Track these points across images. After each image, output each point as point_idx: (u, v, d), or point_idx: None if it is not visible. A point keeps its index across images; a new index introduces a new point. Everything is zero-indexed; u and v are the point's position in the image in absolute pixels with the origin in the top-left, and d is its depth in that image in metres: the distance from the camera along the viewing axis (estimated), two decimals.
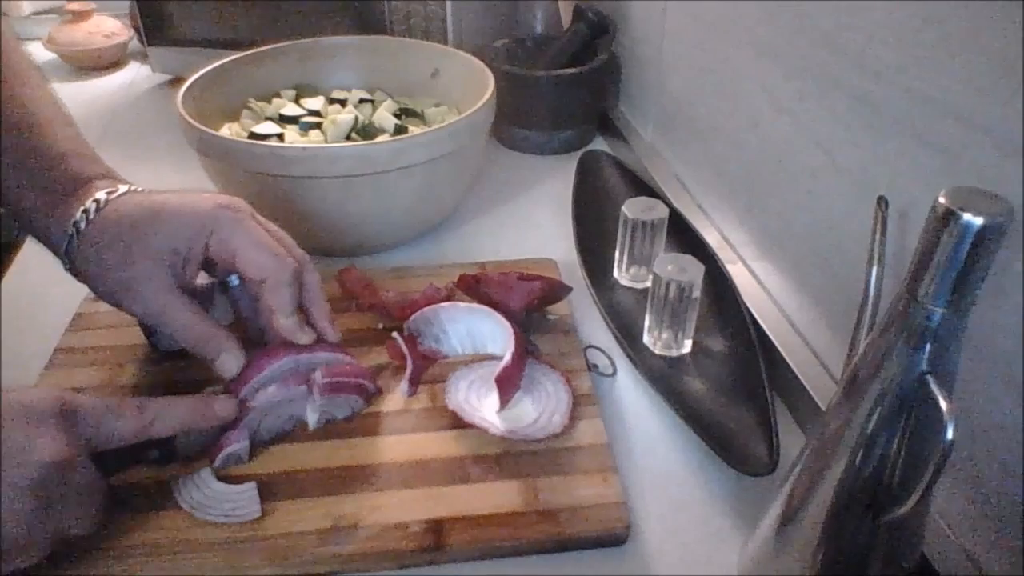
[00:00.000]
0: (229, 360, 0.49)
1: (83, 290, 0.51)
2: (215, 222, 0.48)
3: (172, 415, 0.45)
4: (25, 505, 0.38)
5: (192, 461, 0.48)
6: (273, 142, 0.72)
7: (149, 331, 0.57)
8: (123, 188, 0.50)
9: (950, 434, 0.29)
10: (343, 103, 0.82)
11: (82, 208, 0.48)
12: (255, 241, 0.49)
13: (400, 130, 0.75)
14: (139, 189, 0.51)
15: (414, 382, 0.56)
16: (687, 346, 0.59)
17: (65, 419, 0.40)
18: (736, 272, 0.64)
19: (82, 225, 0.48)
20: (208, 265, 0.52)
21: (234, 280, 0.53)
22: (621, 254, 0.67)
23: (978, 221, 0.28)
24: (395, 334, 0.58)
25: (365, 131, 0.75)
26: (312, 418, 0.51)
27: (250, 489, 0.47)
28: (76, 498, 0.40)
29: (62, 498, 0.40)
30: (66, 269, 0.50)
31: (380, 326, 0.61)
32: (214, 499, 0.46)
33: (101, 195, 0.49)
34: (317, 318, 0.52)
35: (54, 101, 0.54)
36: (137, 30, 1.12)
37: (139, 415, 0.44)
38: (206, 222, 0.48)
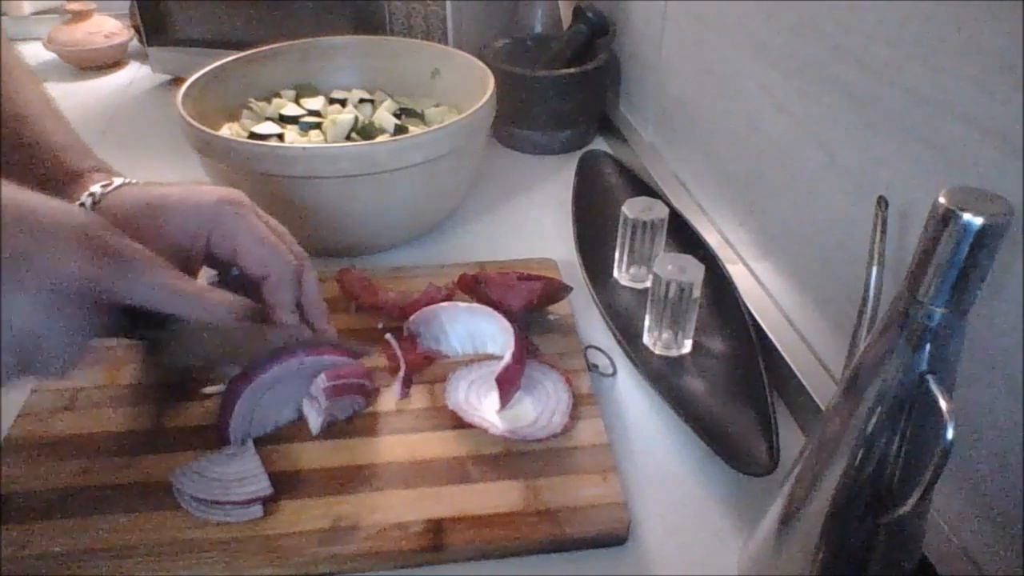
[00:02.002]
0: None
1: None
2: (218, 217, 0.48)
3: (196, 295, 0.44)
4: (38, 302, 0.37)
5: (198, 401, 0.48)
6: (273, 142, 0.72)
7: None
8: (118, 181, 0.50)
9: (950, 434, 0.29)
10: (343, 103, 0.82)
11: (78, 202, 0.48)
12: (257, 237, 0.49)
13: (400, 130, 0.75)
14: (134, 182, 0.51)
15: (407, 383, 0.55)
16: (687, 346, 0.59)
17: (101, 246, 0.40)
18: (736, 272, 0.64)
19: None
20: (208, 259, 0.51)
21: (234, 273, 0.53)
22: (621, 254, 0.67)
23: (978, 221, 0.28)
24: (388, 335, 0.58)
25: (365, 131, 0.75)
26: (316, 422, 0.51)
27: (255, 460, 0.47)
28: (73, 327, 0.39)
29: (64, 320, 0.39)
30: None
31: (380, 326, 0.61)
32: (220, 484, 0.46)
33: (96, 188, 0.49)
34: (314, 317, 0.52)
35: (44, 96, 0.54)
36: (137, 30, 1.12)
37: (172, 282, 0.42)
38: (209, 217, 0.48)
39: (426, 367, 0.58)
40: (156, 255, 0.43)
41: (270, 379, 0.50)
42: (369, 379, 0.53)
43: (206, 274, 0.54)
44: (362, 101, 0.82)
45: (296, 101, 0.82)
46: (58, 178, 0.50)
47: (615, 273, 0.68)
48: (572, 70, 0.89)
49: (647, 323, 0.60)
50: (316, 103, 0.81)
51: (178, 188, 0.50)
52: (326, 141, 0.74)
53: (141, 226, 0.47)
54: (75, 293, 0.39)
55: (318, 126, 0.77)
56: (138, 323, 0.45)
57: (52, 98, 0.54)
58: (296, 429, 0.52)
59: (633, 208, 0.64)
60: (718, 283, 0.62)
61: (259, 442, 0.50)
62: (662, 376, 0.57)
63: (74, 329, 0.40)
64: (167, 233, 0.47)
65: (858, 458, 0.34)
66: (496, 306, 0.58)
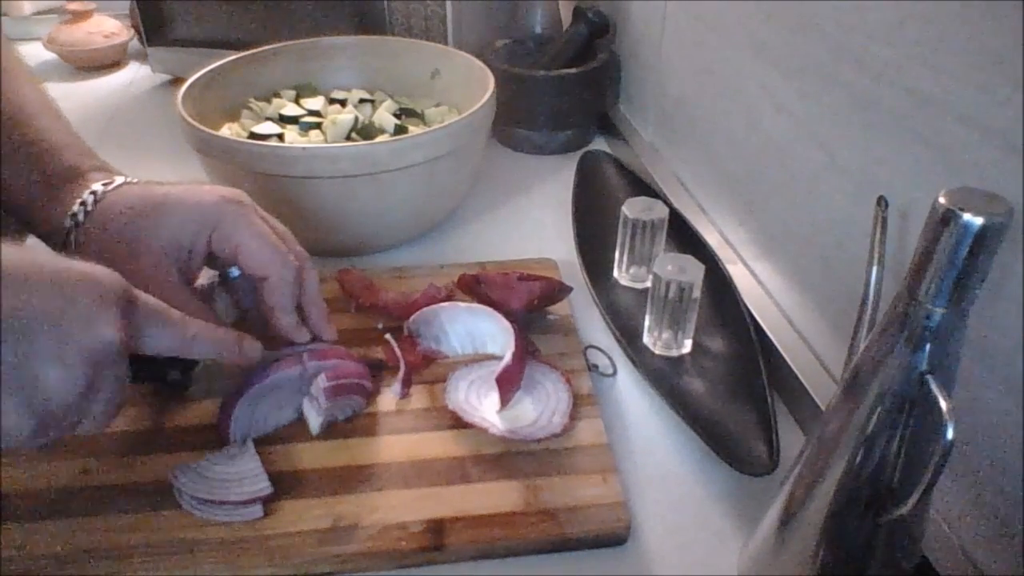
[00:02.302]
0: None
1: None
2: (219, 216, 0.48)
3: (209, 338, 0.45)
4: (77, 376, 0.36)
5: (195, 401, 0.48)
6: (273, 142, 0.72)
7: None
8: (119, 180, 0.50)
9: (950, 434, 0.29)
10: (343, 103, 0.82)
11: (79, 200, 0.48)
12: (259, 237, 0.49)
13: (400, 130, 0.75)
14: (135, 181, 0.51)
15: (406, 383, 0.55)
16: (687, 346, 0.59)
17: (125, 306, 0.39)
18: (736, 272, 0.64)
19: (80, 218, 0.48)
20: (209, 259, 0.51)
21: (234, 272, 0.53)
22: (621, 254, 0.67)
23: (978, 221, 0.28)
24: (388, 335, 0.58)
25: (365, 131, 0.75)
26: (316, 423, 0.51)
27: (255, 460, 0.47)
28: (108, 390, 0.39)
29: (100, 385, 0.38)
30: None
31: (380, 326, 0.61)
32: (220, 484, 0.46)
33: (98, 187, 0.49)
34: (314, 318, 0.52)
35: (43, 96, 0.54)
36: (137, 30, 1.12)
37: (183, 328, 0.43)
38: (210, 216, 0.48)
39: (426, 367, 0.58)
40: (167, 306, 0.43)
41: (271, 384, 0.50)
42: (369, 379, 0.53)
43: (206, 274, 0.54)
44: (362, 101, 0.82)
45: (296, 101, 0.82)
46: (58, 177, 0.50)
47: (615, 273, 0.68)
48: (572, 70, 0.89)
49: (647, 323, 0.60)
50: (316, 103, 0.81)
51: (179, 188, 0.50)
52: (326, 141, 0.74)
53: (142, 225, 0.47)
54: (111, 360, 0.38)
55: (318, 126, 0.77)
56: (154, 368, 0.45)
57: (52, 98, 0.54)
58: (296, 429, 0.52)
59: (633, 208, 0.64)
60: (718, 283, 0.62)
61: (259, 442, 0.50)
62: (662, 376, 0.57)
63: (111, 394, 0.40)
64: (168, 232, 0.47)
65: (858, 458, 0.34)
66: (496, 306, 0.58)
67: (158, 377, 0.46)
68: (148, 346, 0.42)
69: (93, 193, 0.48)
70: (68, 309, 0.36)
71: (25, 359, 0.35)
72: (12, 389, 0.35)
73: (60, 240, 0.48)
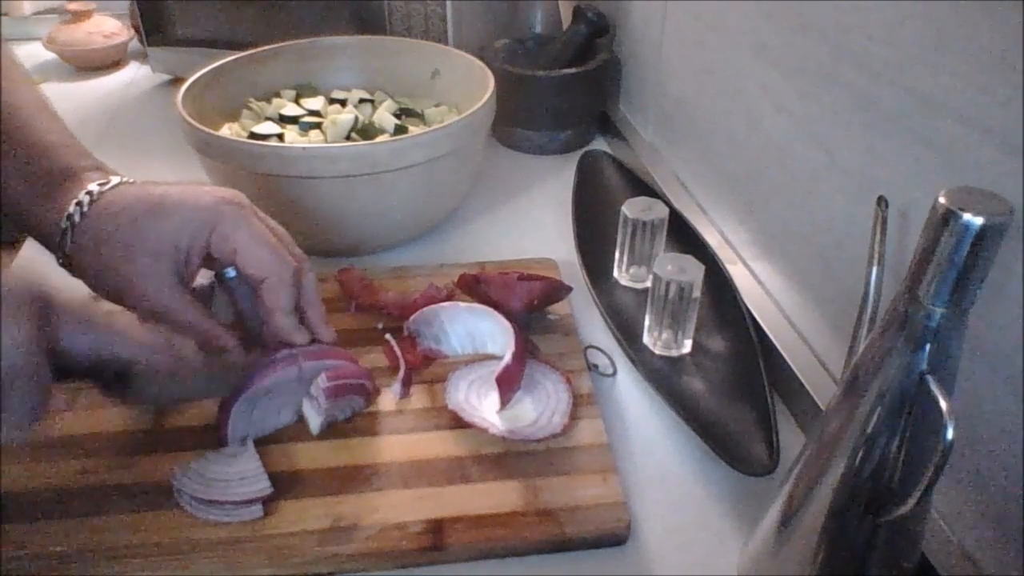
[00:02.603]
0: (230, 359, 0.49)
1: (83, 289, 0.51)
2: (217, 217, 0.48)
3: (135, 340, 0.44)
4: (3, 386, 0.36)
5: (145, 403, 0.47)
6: (273, 142, 0.72)
7: None
8: (115, 180, 0.50)
9: (950, 434, 0.29)
10: (343, 103, 0.82)
11: (75, 200, 0.48)
12: (257, 239, 0.49)
13: (400, 130, 0.75)
14: (131, 181, 0.51)
15: (406, 383, 0.55)
16: (687, 346, 0.59)
17: (40, 313, 0.39)
18: (736, 272, 0.64)
19: (76, 218, 0.47)
20: (206, 260, 0.51)
21: (231, 272, 0.52)
22: (621, 254, 0.67)
23: (978, 221, 0.28)
24: (388, 335, 0.58)
25: (365, 131, 0.75)
26: (316, 422, 0.51)
27: (255, 460, 0.47)
28: (23, 394, 0.38)
29: (12, 392, 0.38)
30: (59, 263, 0.49)
31: (380, 326, 0.61)
32: (220, 484, 0.46)
33: (94, 187, 0.49)
34: (313, 319, 0.52)
35: (38, 96, 0.54)
36: (137, 30, 1.12)
37: (107, 331, 0.43)
38: (208, 217, 0.48)
39: (426, 367, 0.58)
40: (84, 300, 0.43)
41: (268, 386, 0.50)
42: (369, 379, 0.53)
43: (204, 275, 0.54)
44: (362, 101, 0.82)
45: (296, 101, 0.82)
46: (54, 177, 0.49)
47: (615, 273, 0.68)
48: (572, 70, 0.89)
49: (647, 323, 0.60)
50: (316, 103, 0.81)
51: (177, 188, 0.49)
52: (326, 141, 0.74)
53: (139, 226, 0.47)
54: (19, 367, 0.38)
55: (318, 126, 0.77)
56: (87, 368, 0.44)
57: (47, 98, 0.54)
58: (296, 429, 0.52)
59: (633, 208, 0.64)
60: (718, 283, 0.62)
61: (259, 442, 0.50)
62: (662, 376, 0.57)
63: (27, 398, 0.39)
64: (165, 233, 0.47)
65: (858, 458, 0.34)
66: (496, 306, 0.58)
67: (93, 376, 0.45)
68: (73, 349, 0.42)
69: (89, 193, 0.48)
70: None
71: None
72: None
73: (56, 241, 0.48)
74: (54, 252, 0.49)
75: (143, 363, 0.45)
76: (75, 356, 0.42)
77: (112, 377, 0.45)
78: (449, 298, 0.62)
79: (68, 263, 0.49)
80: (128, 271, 0.47)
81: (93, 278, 0.49)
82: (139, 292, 0.48)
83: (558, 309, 0.63)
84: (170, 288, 0.48)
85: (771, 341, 0.57)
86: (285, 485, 0.47)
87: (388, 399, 0.55)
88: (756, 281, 0.64)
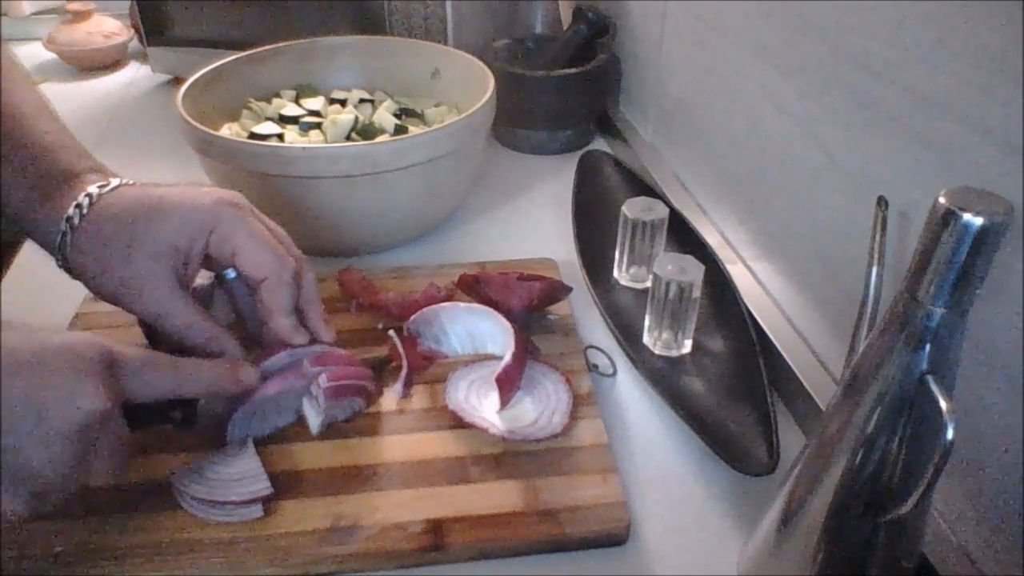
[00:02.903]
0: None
1: (83, 290, 0.51)
2: (217, 218, 0.48)
3: (203, 375, 0.45)
4: (64, 452, 0.38)
5: (205, 434, 0.49)
6: (273, 142, 0.72)
7: (149, 331, 0.57)
8: (115, 182, 0.50)
9: (950, 434, 0.29)
10: (343, 103, 0.82)
11: (74, 203, 0.48)
12: (257, 239, 0.49)
13: (400, 130, 0.75)
14: (131, 183, 0.51)
15: (408, 383, 0.55)
16: (687, 346, 0.59)
17: (106, 369, 0.40)
18: (736, 272, 0.64)
19: (75, 220, 0.47)
20: (206, 261, 0.51)
21: (230, 273, 0.52)
22: (621, 254, 0.67)
23: (978, 221, 0.28)
24: (392, 333, 0.58)
25: (365, 131, 0.75)
26: (315, 422, 0.51)
27: (255, 460, 0.47)
28: (107, 448, 0.41)
29: (93, 448, 0.40)
30: (59, 265, 0.50)
31: (380, 326, 0.61)
32: (220, 484, 0.46)
33: (93, 189, 0.48)
34: (312, 320, 0.52)
35: (38, 97, 0.53)
36: (137, 30, 1.12)
37: (174, 371, 0.44)
38: (207, 218, 0.48)
39: (426, 367, 0.58)
40: (153, 353, 0.44)
41: (273, 396, 0.50)
42: (371, 380, 0.53)
43: (204, 276, 0.54)
44: (362, 101, 0.82)
45: (296, 101, 0.82)
46: (54, 179, 0.49)
47: (615, 273, 0.68)
48: (572, 70, 0.89)
49: (647, 323, 0.60)
50: (316, 103, 0.81)
51: (176, 189, 0.49)
52: (326, 141, 0.74)
53: (138, 228, 0.47)
54: (99, 425, 0.39)
55: (318, 126, 0.77)
56: (156, 413, 0.46)
57: (47, 99, 0.54)
58: (296, 429, 0.52)
59: (633, 208, 0.64)
60: (718, 283, 0.62)
61: (259, 442, 0.50)
62: (662, 376, 0.57)
63: (110, 452, 0.41)
64: (165, 235, 0.47)
65: (858, 458, 0.34)
66: (496, 306, 0.58)
67: (162, 420, 0.47)
68: (142, 395, 0.43)
69: (89, 196, 0.48)
70: (46, 392, 0.37)
71: (7, 447, 0.36)
72: None
73: (55, 243, 0.48)
74: (53, 254, 0.49)
75: (209, 396, 0.47)
76: (145, 403, 0.44)
77: (180, 417, 0.47)
78: (449, 298, 0.62)
79: (67, 265, 0.49)
80: (127, 273, 0.47)
81: (92, 280, 0.49)
82: (138, 293, 0.48)
83: (558, 309, 0.63)
84: (170, 289, 0.48)
85: (771, 341, 0.57)
86: (285, 485, 0.47)
87: (388, 399, 0.55)
88: (756, 281, 0.64)
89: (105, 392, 0.39)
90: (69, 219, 0.48)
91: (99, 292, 0.49)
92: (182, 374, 0.44)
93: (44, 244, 0.50)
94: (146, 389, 0.43)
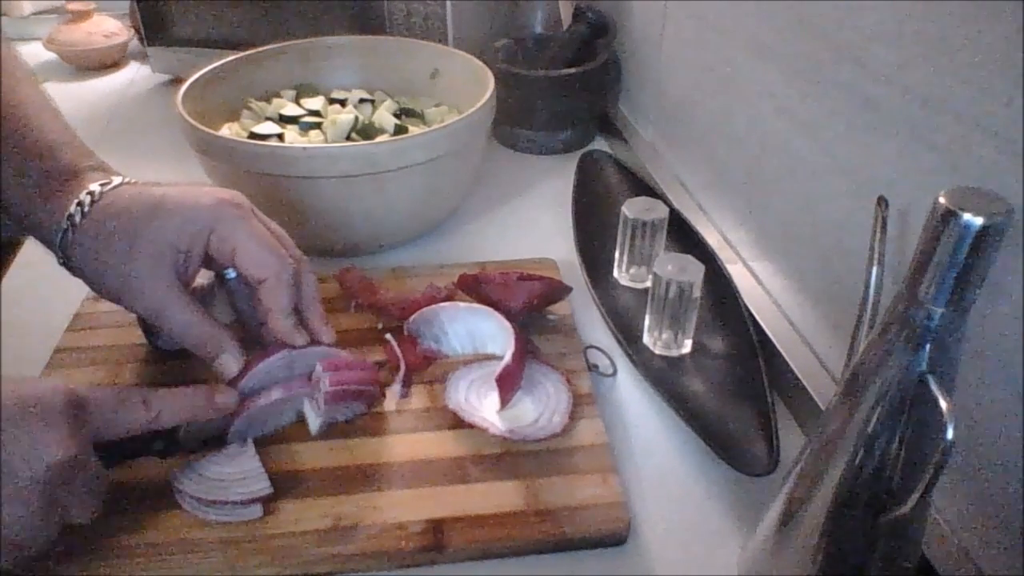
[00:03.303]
0: (229, 360, 0.49)
1: (83, 290, 0.51)
2: (217, 218, 0.48)
3: (177, 406, 0.45)
4: (32, 504, 0.38)
5: (193, 453, 0.48)
6: (273, 142, 0.72)
7: (149, 330, 0.57)
8: (116, 180, 0.50)
9: (950, 434, 0.29)
10: (343, 103, 0.82)
11: (76, 200, 0.48)
12: (257, 240, 0.49)
13: (400, 130, 0.75)
14: (132, 181, 0.51)
15: (407, 383, 0.55)
16: (687, 346, 0.59)
17: (73, 414, 0.40)
18: (736, 272, 0.64)
19: (77, 218, 0.47)
20: (206, 260, 0.51)
21: (230, 273, 0.52)
22: (621, 254, 0.67)
23: (978, 221, 0.28)
24: (389, 335, 0.58)
25: (365, 131, 0.75)
26: (315, 423, 0.51)
27: (255, 460, 0.47)
28: (80, 491, 0.41)
29: (67, 493, 0.40)
30: (60, 263, 0.50)
31: (380, 326, 0.61)
32: (220, 484, 0.46)
33: (95, 187, 0.49)
34: (313, 320, 0.52)
35: (41, 95, 0.53)
36: (137, 30, 1.12)
37: (145, 407, 0.44)
38: (208, 218, 0.48)
39: (426, 367, 0.58)
40: (119, 389, 0.44)
41: (278, 399, 0.50)
42: (377, 384, 0.53)
43: (204, 275, 0.54)
44: (362, 101, 0.82)
45: (296, 101, 0.82)
46: (55, 176, 0.49)
47: (615, 273, 0.68)
48: (572, 70, 0.89)
49: (647, 323, 0.60)
50: (316, 103, 0.81)
51: (177, 189, 0.49)
52: (326, 141, 0.74)
53: (139, 227, 0.47)
54: (70, 471, 0.39)
55: (318, 126, 0.77)
56: (136, 445, 0.46)
57: (50, 97, 0.54)
58: (296, 429, 0.52)
59: (633, 208, 0.64)
60: (718, 283, 0.62)
61: (259, 442, 0.50)
62: (662, 376, 0.57)
63: (85, 494, 0.41)
64: (165, 234, 0.47)
65: (858, 458, 0.34)
66: (496, 306, 0.58)
67: (144, 452, 0.47)
68: (114, 434, 0.43)
69: (90, 194, 0.48)
70: (11, 446, 0.37)
71: None
72: None
73: (56, 240, 0.48)
74: (54, 251, 0.49)
75: (187, 424, 0.47)
76: (121, 441, 0.44)
77: (163, 447, 0.47)
78: (449, 298, 0.62)
79: (68, 263, 0.49)
80: (128, 271, 0.47)
81: (93, 278, 0.49)
82: (139, 292, 0.48)
83: (558, 309, 0.63)
84: (170, 288, 0.48)
85: (771, 341, 0.57)
86: (285, 485, 0.47)
87: (388, 399, 0.55)
88: (756, 281, 0.64)
89: (71, 439, 0.39)
90: (71, 216, 0.48)
91: (99, 290, 0.49)
92: (153, 409, 0.44)
93: (45, 241, 0.50)
94: (118, 428, 0.43)
